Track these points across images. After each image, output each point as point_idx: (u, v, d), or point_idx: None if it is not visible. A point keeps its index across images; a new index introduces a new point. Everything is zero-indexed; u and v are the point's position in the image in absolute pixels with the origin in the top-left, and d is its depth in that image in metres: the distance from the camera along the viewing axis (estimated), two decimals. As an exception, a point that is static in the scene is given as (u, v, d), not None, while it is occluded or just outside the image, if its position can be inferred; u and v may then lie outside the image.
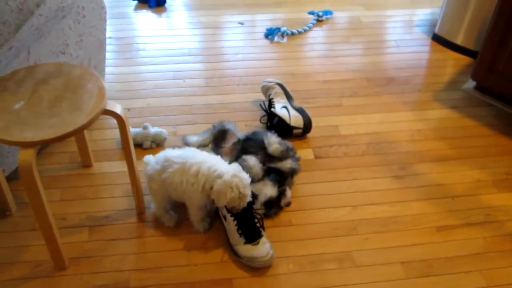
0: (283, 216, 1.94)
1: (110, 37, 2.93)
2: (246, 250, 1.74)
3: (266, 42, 2.98)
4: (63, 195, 1.99)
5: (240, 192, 1.67)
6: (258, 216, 1.81)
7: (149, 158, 1.87)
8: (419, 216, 1.95)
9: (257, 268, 1.75)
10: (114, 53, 2.83)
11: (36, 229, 1.85)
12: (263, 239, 1.76)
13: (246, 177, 1.70)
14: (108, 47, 2.81)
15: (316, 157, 2.20)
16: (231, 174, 1.67)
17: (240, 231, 1.75)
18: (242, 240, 1.74)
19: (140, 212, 1.93)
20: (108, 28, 2.97)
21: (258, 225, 1.78)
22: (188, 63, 2.77)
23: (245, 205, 1.71)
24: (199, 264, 1.76)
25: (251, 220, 1.76)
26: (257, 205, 1.86)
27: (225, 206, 1.73)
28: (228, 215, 1.75)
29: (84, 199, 1.98)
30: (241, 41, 2.99)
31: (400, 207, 1.99)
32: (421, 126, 2.39)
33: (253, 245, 1.73)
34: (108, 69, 2.65)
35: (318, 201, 2.01)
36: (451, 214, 1.96)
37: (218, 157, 1.80)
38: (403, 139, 2.31)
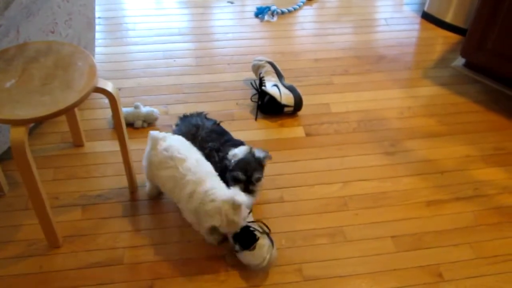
0: (275, 192, 1.96)
1: (99, 17, 2.90)
2: (242, 256, 1.68)
3: (256, 21, 2.97)
4: (55, 175, 1.99)
5: (228, 220, 1.56)
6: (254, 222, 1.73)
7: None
8: (409, 192, 1.98)
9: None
10: (104, 33, 2.81)
11: (29, 208, 1.85)
12: (261, 242, 1.68)
13: (242, 201, 1.56)
14: (97, 27, 2.79)
15: (307, 134, 2.21)
16: (223, 199, 1.57)
17: (233, 239, 1.70)
18: (237, 247, 1.69)
19: (132, 190, 1.94)
20: (97, 8, 2.94)
21: (251, 229, 1.69)
22: (178, 42, 2.76)
23: (237, 230, 1.62)
24: (192, 241, 1.78)
25: (244, 227, 1.66)
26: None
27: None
28: None
29: (76, 178, 1.99)
30: (231, 20, 2.98)
31: (391, 183, 2.01)
32: (411, 103, 2.40)
33: (250, 250, 1.66)
34: (98, 49, 2.63)
35: (310, 177, 2.02)
36: (441, 189, 1.99)
37: (217, 177, 1.69)
38: (393, 116, 2.32)
